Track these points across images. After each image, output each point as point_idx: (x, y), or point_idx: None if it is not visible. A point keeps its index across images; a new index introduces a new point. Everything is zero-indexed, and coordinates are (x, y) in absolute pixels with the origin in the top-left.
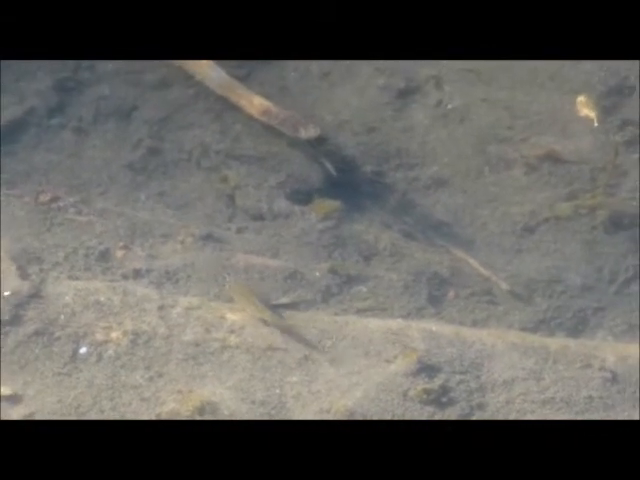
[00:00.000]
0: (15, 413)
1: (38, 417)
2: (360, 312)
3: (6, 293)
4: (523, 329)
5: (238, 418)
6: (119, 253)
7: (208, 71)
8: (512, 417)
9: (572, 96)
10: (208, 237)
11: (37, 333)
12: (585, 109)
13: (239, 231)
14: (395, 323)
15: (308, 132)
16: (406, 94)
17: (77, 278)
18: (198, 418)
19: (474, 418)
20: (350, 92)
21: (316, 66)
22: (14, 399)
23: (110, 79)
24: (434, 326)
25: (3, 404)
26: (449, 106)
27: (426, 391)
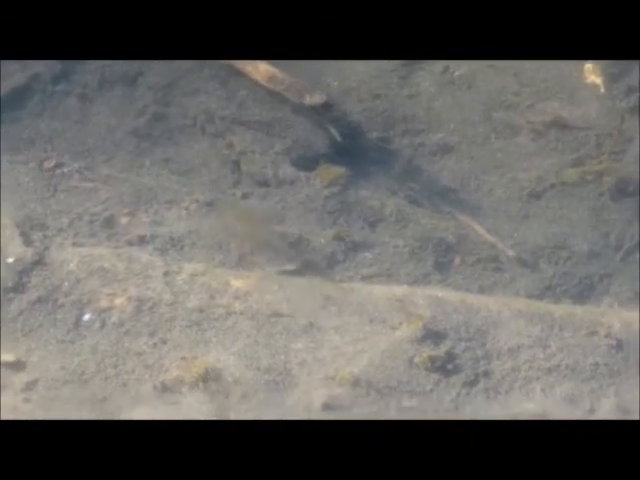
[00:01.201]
0: (18, 380)
1: (41, 383)
2: (365, 279)
3: (10, 260)
4: (529, 296)
5: (243, 385)
6: (124, 219)
7: None
8: (518, 385)
9: (579, 63)
10: (213, 203)
11: (40, 300)
12: (592, 76)
13: (244, 197)
14: (400, 290)
15: (314, 98)
16: (412, 61)
17: (81, 245)
18: (201, 385)
19: (479, 386)
20: None
21: None
22: (17, 366)
23: None
24: (440, 293)
25: (6, 371)
26: (455, 73)
27: (432, 358)
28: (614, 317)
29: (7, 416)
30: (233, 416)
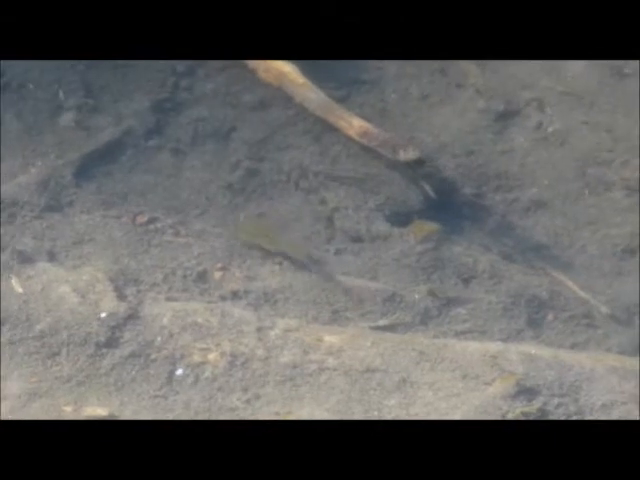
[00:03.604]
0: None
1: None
2: (459, 335)
3: (103, 314)
4: (622, 352)
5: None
6: (217, 274)
7: (307, 92)
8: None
9: None
10: (306, 259)
11: (134, 355)
12: None
13: (337, 253)
14: (494, 346)
15: (407, 154)
16: (506, 117)
17: (175, 299)
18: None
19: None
20: (450, 114)
21: (416, 88)
22: None
23: (208, 100)
24: (533, 349)
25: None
26: (549, 129)
27: (524, 414)
28: None
29: None
30: None
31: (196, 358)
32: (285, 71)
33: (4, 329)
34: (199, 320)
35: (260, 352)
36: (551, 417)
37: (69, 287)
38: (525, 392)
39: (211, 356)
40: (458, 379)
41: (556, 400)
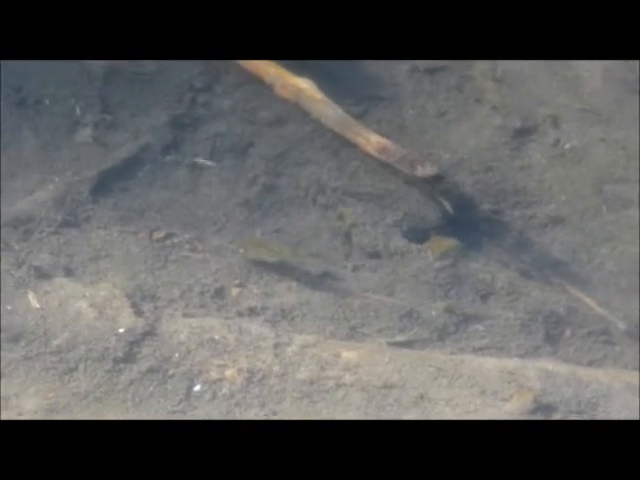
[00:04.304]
0: None
1: None
2: (476, 351)
3: (121, 330)
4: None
5: None
6: (234, 291)
7: (324, 108)
8: None
9: None
10: (324, 275)
11: (151, 370)
12: None
13: (355, 269)
14: (511, 362)
15: (425, 170)
16: (523, 133)
17: (192, 315)
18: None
19: None
20: (467, 131)
21: (433, 105)
22: None
23: (226, 116)
24: (550, 365)
25: None
26: (567, 145)
27: None
28: None
29: None
30: None
31: (213, 374)
32: (302, 88)
33: (21, 345)
34: (216, 336)
35: (277, 368)
36: None
37: (86, 303)
38: (542, 408)
39: (228, 372)
40: (476, 395)
41: (573, 416)
